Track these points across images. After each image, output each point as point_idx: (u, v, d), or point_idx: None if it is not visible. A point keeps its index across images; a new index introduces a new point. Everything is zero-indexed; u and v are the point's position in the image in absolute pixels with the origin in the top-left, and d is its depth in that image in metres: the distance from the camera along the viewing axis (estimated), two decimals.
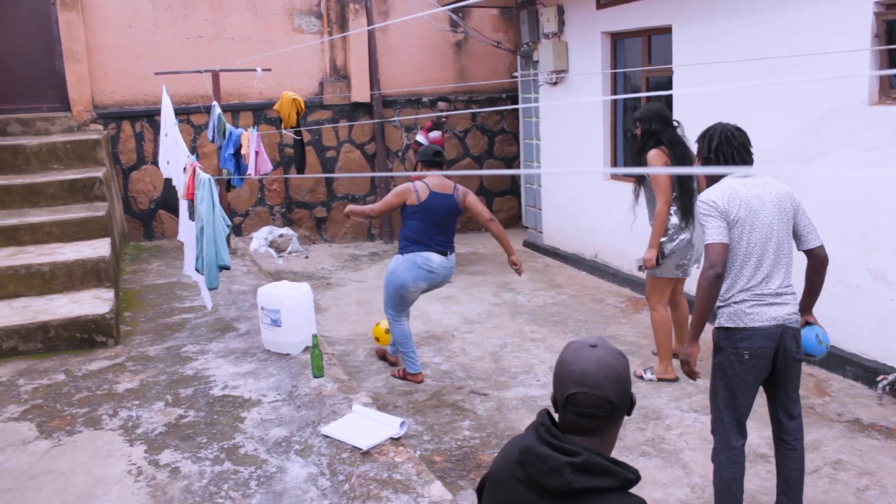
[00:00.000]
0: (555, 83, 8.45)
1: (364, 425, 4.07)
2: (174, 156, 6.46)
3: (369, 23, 9.09)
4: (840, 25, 5.29)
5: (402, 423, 4.09)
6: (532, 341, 6.46)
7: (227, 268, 4.83)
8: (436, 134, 8.55)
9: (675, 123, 5.53)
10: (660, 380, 5.56)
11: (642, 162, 5.39)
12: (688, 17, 6.54)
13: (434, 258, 5.33)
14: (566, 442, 1.84)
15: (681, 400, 5.28)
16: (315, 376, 4.85)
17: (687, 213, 5.40)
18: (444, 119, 8.72)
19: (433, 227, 5.33)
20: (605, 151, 7.95)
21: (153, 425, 4.39)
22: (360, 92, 9.34)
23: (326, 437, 4.10)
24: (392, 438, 4.00)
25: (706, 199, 3.46)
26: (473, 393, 5.47)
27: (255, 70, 7.58)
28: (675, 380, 5.54)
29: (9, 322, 5.56)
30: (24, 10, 8.39)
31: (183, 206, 5.99)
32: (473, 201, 5.49)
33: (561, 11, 8.11)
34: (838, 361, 5.53)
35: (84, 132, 8.31)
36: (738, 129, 3.58)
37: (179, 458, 4.02)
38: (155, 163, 8.92)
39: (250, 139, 5.81)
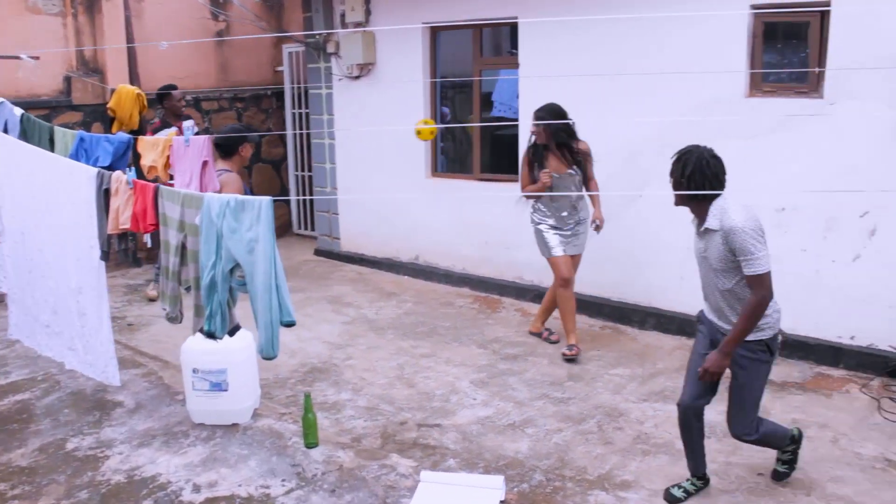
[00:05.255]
0: (357, 77, 7.85)
1: (458, 495, 3.34)
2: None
3: (125, 4, 7.48)
4: (717, 24, 5.65)
5: (504, 480, 3.45)
6: (425, 357, 5.95)
7: (293, 324, 3.52)
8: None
9: (571, 121, 5.68)
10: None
11: (567, 150, 5.73)
12: (537, 10, 6.50)
13: None
14: None
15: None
16: (309, 446, 3.88)
17: None
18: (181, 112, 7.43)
19: None
20: (427, 148, 7.61)
21: None
22: None
23: None
24: (501, 502, 3.35)
25: (756, 227, 3.49)
26: (423, 426, 4.86)
27: (19, 57, 5.74)
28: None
29: None
30: None
31: (23, 247, 4.28)
32: None
33: (367, 0, 7.54)
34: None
35: None
36: (714, 157, 3.63)
37: None
38: None
39: (181, 146, 4.07)
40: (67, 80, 7.58)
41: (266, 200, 3.27)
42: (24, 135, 5.02)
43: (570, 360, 5.78)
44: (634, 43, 6.10)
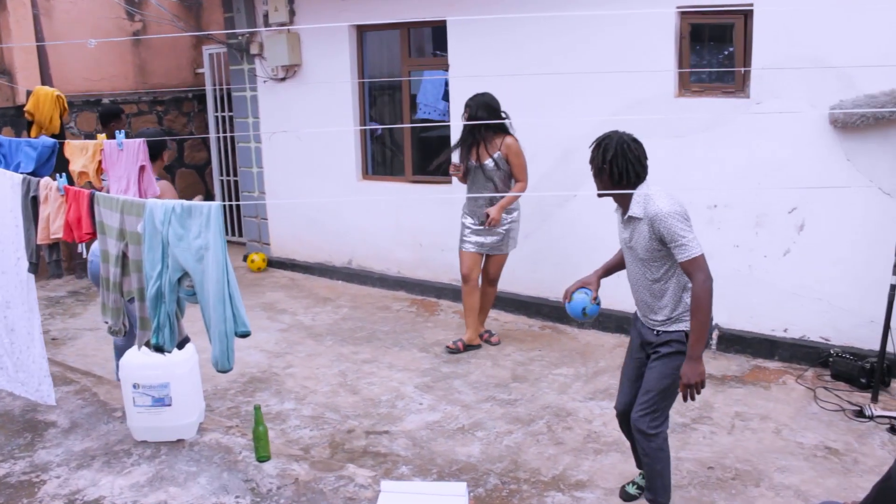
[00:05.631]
0: (283, 79, 7.65)
1: None
2: None
3: (33, 2, 7.04)
4: (644, 24, 5.74)
5: (466, 487, 3.38)
6: (366, 363, 5.85)
7: (248, 334, 3.31)
8: None
9: (504, 115, 5.66)
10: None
11: (487, 146, 5.66)
12: (465, 10, 6.47)
13: None
14: None
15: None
16: (261, 459, 3.72)
17: None
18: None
19: None
20: (357, 151, 7.49)
21: None
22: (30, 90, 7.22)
23: None
24: None
25: (681, 211, 3.34)
26: (371, 434, 4.76)
27: None
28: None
29: None
30: None
31: None
32: None
33: (291, 0, 7.35)
34: None
35: None
36: (635, 141, 3.47)
37: None
38: None
39: (115, 150, 3.71)
40: None
41: (215, 205, 3.06)
42: None
43: (451, 351, 5.95)
44: (564, 42, 6.15)
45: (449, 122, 6.94)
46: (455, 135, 6.75)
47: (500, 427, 4.78)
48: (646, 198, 3.38)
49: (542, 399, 5.17)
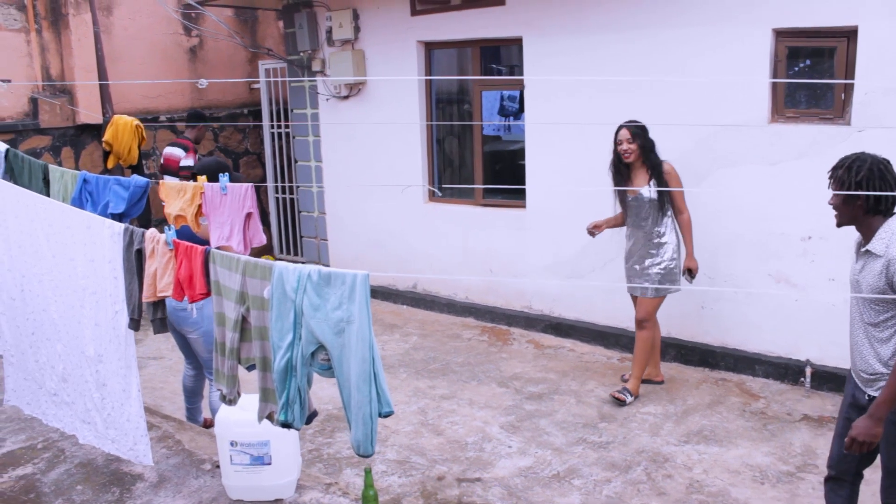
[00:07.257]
0: (346, 97, 7.45)
1: None
2: None
3: (94, 19, 6.88)
4: (738, 47, 5.49)
5: None
6: (445, 399, 5.64)
7: (391, 414, 3.09)
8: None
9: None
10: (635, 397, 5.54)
11: (651, 171, 5.23)
12: (544, 30, 6.24)
13: None
14: None
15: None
16: None
17: None
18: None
19: None
20: (424, 171, 7.28)
21: None
22: (90, 110, 7.07)
23: None
24: None
25: None
26: (463, 481, 4.55)
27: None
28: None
29: None
30: None
31: (23, 305, 3.73)
32: None
33: (356, 16, 7.14)
34: (746, 362, 5.85)
35: None
36: (888, 163, 3.15)
37: None
38: None
39: (217, 194, 3.53)
40: (34, 101, 6.96)
41: (361, 275, 2.77)
42: (11, 174, 4.43)
43: (615, 402, 5.46)
44: (651, 63, 5.87)
45: (521, 138, 6.71)
46: (534, 154, 6.55)
47: (597, 474, 4.56)
48: (892, 234, 3.07)
49: (634, 442, 4.93)
